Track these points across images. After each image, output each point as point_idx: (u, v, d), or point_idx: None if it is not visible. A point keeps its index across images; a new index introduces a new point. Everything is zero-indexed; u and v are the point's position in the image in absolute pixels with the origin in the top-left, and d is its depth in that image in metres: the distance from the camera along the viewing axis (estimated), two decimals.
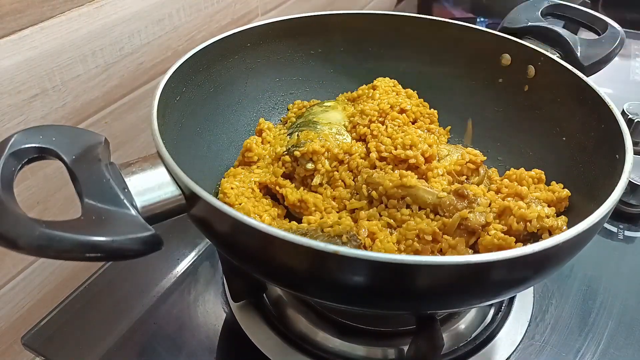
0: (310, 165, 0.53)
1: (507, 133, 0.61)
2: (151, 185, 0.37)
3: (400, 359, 0.50)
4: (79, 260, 0.31)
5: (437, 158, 0.54)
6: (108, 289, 0.57)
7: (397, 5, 1.27)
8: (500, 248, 0.43)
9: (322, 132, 0.56)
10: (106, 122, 0.59)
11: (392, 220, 0.48)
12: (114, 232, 0.32)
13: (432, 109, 0.62)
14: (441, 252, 0.45)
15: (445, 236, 0.46)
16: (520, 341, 0.51)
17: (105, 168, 0.35)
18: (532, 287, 0.56)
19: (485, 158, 0.56)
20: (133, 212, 0.34)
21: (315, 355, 0.50)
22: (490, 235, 0.44)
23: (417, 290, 0.34)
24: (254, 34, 0.60)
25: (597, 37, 0.62)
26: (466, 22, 0.63)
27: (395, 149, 0.53)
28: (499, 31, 0.61)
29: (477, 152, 0.56)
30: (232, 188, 0.51)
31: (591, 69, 0.58)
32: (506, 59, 0.60)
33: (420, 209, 0.49)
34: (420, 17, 0.64)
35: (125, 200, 0.34)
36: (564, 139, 0.54)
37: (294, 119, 0.62)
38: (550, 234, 0.45)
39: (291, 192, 0.52)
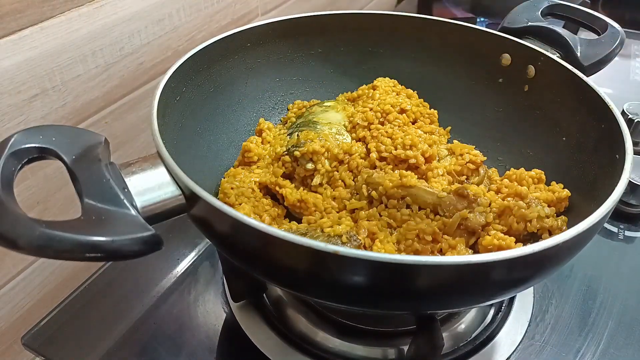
0: (310, 165, 0.53)
1: (507, 133, 0.61)
2: (151, 185, 0.37)
3: (400, 359, 0.50)
4: (79, 260, 0.31)
5: (437, 158, 0.55)
6: (108, 289, 0.57)
7: (397, 5, 1.27)
8: (500, 248, 0.43)
9: (322, 132, 0.56)
10: (106, 122, 0.59)
11: (392, 220, 0.48)
12: (114, 232, 0.32)
13: (432, 109, 0.62)
14: (441, 252, 0.45)
15: (445, 236, 0.46)
16: (520, 341, 0.51)
17: (105, 168, 0.35)
18: (532, 287, 0.56)
19: (485, 158, 0.56)
20: (133, 212, 0.34)
21: (315, 355, 0.50)
22: (490, 236, 0.44)
23: (417, 290, 0.34)
24: (254, 34, 0.60)
25: (597, 37, 0.62)
26: (466, 22, 0.63)
27: (395, 149, 0.53)
28: (499, 31, 0.61)
29: (477, 152, 0.56)
30: (232, 188, 0.51)
31: (591, 69, 0.58)
32: (506, 59, 0.60)
33: (420, 209, 0.49)
34: (420, 17, 0.64)
35: (125, 200, 0.34)
36: (564, 139, 0.54)
37: (294, 119, 0.62)
38: (550, 234, 0.45)
39: (291, 193, 0.52)
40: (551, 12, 0.67)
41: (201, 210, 0.37)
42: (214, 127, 0.58)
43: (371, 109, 0.59)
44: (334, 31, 0.65)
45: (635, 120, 0.75)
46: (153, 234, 0.33)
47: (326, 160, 0.54)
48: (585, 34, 0.65)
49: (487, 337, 0.52)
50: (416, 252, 0.45)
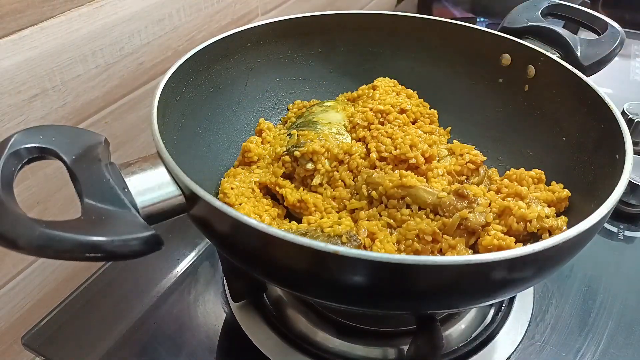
0: (310, 165, 0.53)
1: (507, 133, 0.61)
2: (151, 185, 0.37)
3: (400, 359, 0.50)
4: (79, 260, 0.31)
5: (437, 158, 0.55)
6: (108, 289, 0.57)
7: (397, 5, 1.27)
8: (500, 248, 0.43)
9: (322, 132, 0.56)
10: (106, 122, 0.59)
11: (392, 220, 0.48)
12: (114, 232, 0.32)
13: (432, 109, 0.62)
14: (441, 252, 0.45)
15: (445, 236, 0.46)
16: (520, 341, 0.51)
17: (105, 168, 0.35)
18: (532, 287, 0.56)
19: (485, 158, 0.56)
20: (133, 212, 0.34)
21: (315, 355, 0.50)
22: (490, 236, 0.44)
23: (417, 290, 0.34)
24: (254, 34, 0.60)
25: (597, 37, 0.62)
26: (466, 22, 0.63)
27: (396, 149, 0.53)
28: (499, 31, 0.61)
29: (477, 152, 0.56)
30: (232, 188, 0.51)
31: (591, 69, 0.58)
32: (506, 59, 0.60)
33: (420, 209, 0.49)
34: (420, 17, 0.64)
35: (125, 200, 0.34)
36: (564, 139, 0.54)
37: (294, 119, 0.62)
38: (550, 234, 0.45)
39: (290, 193, 0.52)
40: (551, 12, 0.67)
41: (201, 210, 0.37)
42: (214, 127, 0.58)
43: (371, 109, 0.59)
44: (334, 31, 0.65)
45: (635, 120, 0.75)
46: (153, 234, 0.33)
47: (326, 160, 0.54)
48: (585, 34, 0.65)
49: (487, 337, 0.52)
50: (416, 252, 0.45)
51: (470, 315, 0.53)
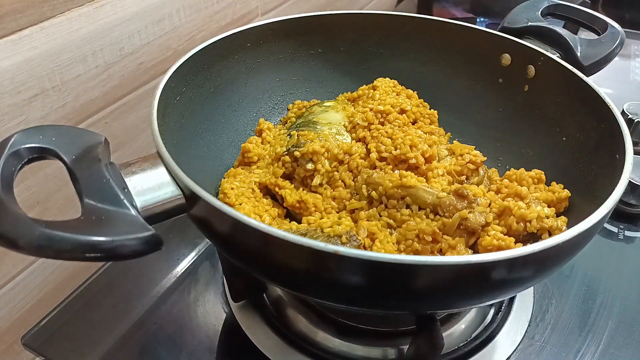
0: (310, 166, 0.53)
1: (507, 133, 0.61)
2: (151, 185, 0.37)
3: (400, 359, 0.50)
4: (79, 260, 0.31)
5: (437, 158, 0.55)
6: (108, 289, 0.57)
7: (397, 5, 1.27)
8: (500, 248, 0.43)
9: (322, 132, 0.56)
10: (106, 122, 0.59)
11: (392, 221, 0.48)
12: (114, 232, 0.32)
13: (432, 109, 0.62)
14: (441, 252, 0.45)
15: (445, 236, 0.46)
16: (520, 341, 0.51)
17: (105, 168, 0.35)
18: (532, 287, 0.56)
19: (485, 158, 0.56)
20: (133, 212, 0.34)
21: (315, 355, 0.50)
22: (490, 236, 0.44)
23: (417, 290, 0.34)
24: (254, 34, 0.60)
25: (597, 37, 0.62)
26: (466, 22, 0.63)
27: (396, 149, 0.53)
28: (499, 31, 0.61)
29: (477, 152, 0.56)
30: (232, 188, 0.51)
31: (591, 69, 0.58)
32: (506, 59, 0.60)
33: (420, 209, 0.49)
34: (420, 17, 0.64)
35: (125, 200, 0.34)
36: (564, 139, 0.54)
37: (294, 119, 0.62)
38: (550, 235, 0.45)
39: (290, 194, 0.52)
40: (551, 12, 0.67)
41: (201, 210, 0.37)
42: (214, 127, 0.58)
43: (371, 109, 0.59)
44: (334, 31, 0.65)
45: (635, 120, 0.75)
46: (153, 234, 0.33)
47: (326, 161, 0.54)
48: (585, 34, 0.65)
49: (487, 337, 0.52)
50: (416, 252, 0.45)
51: (470, 315, 0.53)
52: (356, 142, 0.57)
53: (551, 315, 0.54)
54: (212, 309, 0.55)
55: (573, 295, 0.56)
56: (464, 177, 0.54)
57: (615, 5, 1.20)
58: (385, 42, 0.66)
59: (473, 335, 0.52)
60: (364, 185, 0.51)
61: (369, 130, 0.57)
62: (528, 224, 0.45)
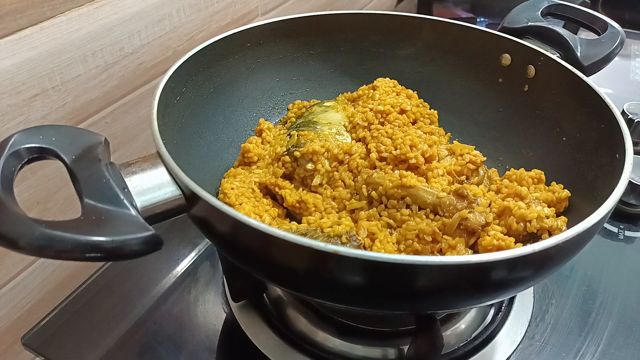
0: (310, 166, 0.53)
1: (507, 133, 0.61)
2: (151, 185, 0.37)
3: (400, 359, 0.50)
4: (79, 260, 0.31)
5: (437, 158, 0.55)
6: (108, 289, 0.57)
7: (397, 5, 1.27)
8: (499, 248, 0.43)
9: (322, 132, 0.56)
10: (106, 122, 0.59)
11: (392, 221, 0.48)
12: (114, 232, 0.32)
13: (432, 109, 0.62)
14: (441, 252, 0.45)
15: (445, 236, 0.46)
16: (520, 341, 0.51)
17: (105, 168, 0.35)
18: (532, 287, 0.56)
19: (485, 158, 0.56)
20: (133, 212, 0.34)
21: (315, 355, 0.50)
22: (490, 236, 0.44)
23: (417, 290, 0.34)
24: (254, 34, 0.60)
25: (597, 37, 0.62)
26: (466, 22, 0.63)
27: (396, 149, 0.53)
28: (499, 31, 0.61)
29: (477, 152, 0.56)
30: (232, 188, 0.51)
31: (591, 69, 0.58)
32: (506, 59, 0.60)
33: (420, 209, 0.49)
34: (420, 17, 0.64)
35: (125, 200, 0.34)
36: (564, 139, 0.54)
37: (294, 119, 0.62)
38: (550, 235, 0.45)
39: (290, 194, 0.52)
40: (551, 12, 0.67)
41: (201, 210, 0.37)
42: (214, 127, 0.58)
43: (371, 109, 0.59)
44: (334, 31, 0.65)
45: (635, 120, 0.75)
46: (153, 234, 0.33)
47: (326, 161, 0.54)
48: (585, 34, 0.65)
49: (487, 337, 0.52)
50: (416, 252, 0.45)
51: (470, 315, 0.53)
52: (356, 142, 0.57)
53: (551, 315, 0.54)
54: (212, 309, 0.55)
55: (573, 295, 0.56)
56: (464, 177, 0.54)
57: (615, 5, 1.20)
58: (385, 42, 0.66)
59: (473, 335, 0.52)
60: (364, 185, 0.51)
61: (369, 130, 0.57)
62: (528, 224, 0.45)
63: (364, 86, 0.64)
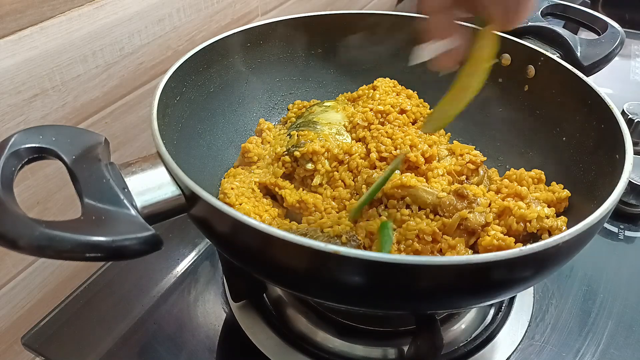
0: (310, 166, 0.53)
1: (507, 133, 0.61)
2: (151, 185, 0.37)
3: (400, 359, 0.50)
4: (79, 260, 0.31)
5: (437, 158, 0.55)
6: (108, 289, 0.57)
7: (397, 5, 1.27)
8: (499, 248, 0.43)
9: (322, 132, 0.56)
10: (106, 122, 0.59)
11: (392, 221, 0.48)
12: (114, 232, 0.32)
13: (432, 110, 0.62)
14: (441, 252, 0.45)
15: (445, 236, 0.46)
16: (520, 341, 0.51)
17: (105, 168, 0.35)
18: (532, 287, 0.56)
19: (485, 158, 0.56)
20: (133, 212, 0.34)
21: (315, 355, 0.50)
22: (490, 236, 0.44)
23: (417, 290, 0.34)
24: (254, 34, 0.60)
25: (597, 37, 0.62)
26: (466, 22, 0.63)
27: (396, 149, 0.53)
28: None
29: (477, 152, 0.56)
30: (232, 188, 0.51)
31: (591, 69, 0.58)
32: (506, 59, 0.60)
33: (420, 209, 0.49)
34: (421, 17, 0.64)
35: (125, 200, 0.34)
36: (564, 139, 0.54)
37: (294, 119, 0.62)
38: (550, 235, 0.45)
39: (290, 194, 0.52)
40: (551, 12, 0.67)
41: (201, 210, 0.37)
42: (214, 127, 0.58)
43: (371, 109, 0.59)
44: (334, 31, 0.65)
45: (635, 120, 0.75)
46: (153, 234, 0.33)
47: (326, 161, 0.54)
48: (585, 34, 0.66)
49: (487, 337, 0.52)
50: (416, 252, 0.45)
51: (470, 315, 0.53)
52: (356, 142, 0.57)
53: (551, 315, 0.54)
54: (212, 309, 0.55)
55: (573, 295, 0.56)
56: (464, 177, 0.54)
57: (615, 5, 1.21)
58: (386, 42, 0.66)
59: (473, 335, 0.52)
60: (364, 185, 0.51)
61: (369, 130, 0.57)
62: (528, 224, 0.45)
63: (364, 86, 0.64)
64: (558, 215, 0.48)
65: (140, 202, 0.35)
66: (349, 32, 0.65)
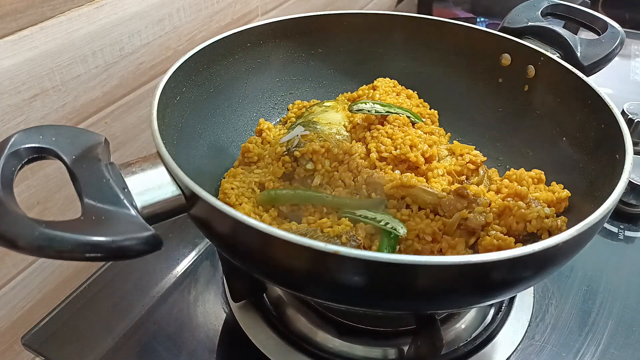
0: (310, 166, 0.53)
1: (507, 133, 0.61)
2: (151, 185, 0.37)
3: (400, 359, 0.50)
4: (79, 260, 0.31)
5: (437, 158, 0.55)
6: (108, 289, 0.57)
7: (397, 5, 1.27)
8: (499, 248, 0.43)
9: (322, 132, 0.56)
10: (106, 122, 0.59)
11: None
12: (114, 232, 0.32)
13: (432, 109, 0.62)
14: (441, 252, 0.45)
15: (445, 236, 0.46)
16: (520, 341, 0.51)
17: (105, 168, 0.35)
18: (532, 287, 0.56)
19: (485, 158, 0.56)
20: (133, 212, 0.34)
21: (315, 355, 0.50)
22: (490, 236, 0.44)
23: (417, 290, 0.34)
24: (254, 34, 0.60)
25: (597, 37, 0.62)
26: (466, 22, 0.63)
27: (396, 149, 0.53)
28: (499, 31, 0.61)
29: (477, 152, 0.56)
30: (232, 188, 0.51)
31: (591, 69, 0.58)
32: (506, 59, 0.60)
33: (420, 209, 0.49)
34: (420, 17, 0.64)
35: (125, 200, 0.34)
36: (564, 139, 0.54)
37: (294, 119, 0.62)
38: (550, 235, 0.45)
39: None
40: (551, 12, 0.67)
41: (201, 210, 0.37)
42: (214, 127, 0.58)
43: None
44: (334, 31, 0.65)
45: (635, 120, 0.75)
46: (153, 234, 0.33)
47: (326, 161, 0.54)
48: (585, 34, 0.65)
49: (487, 337, 0.52)
50: (416, 252, 0.45)
51: (470, 315, 0.53)
52: (356, 142, 0.57)
53: (551, 315, 0.54)
54: (212, 309, 0.55)
55: (573, 295, 0.56)
56: (464, 177, 0.54)
57: (615, 5, 1.20)
58: (385, 42, 0.66)
59: (473, 335, 0.52)
60: (364, 185, 0.51)
61: (369, 130, 0.57)
62: (528, 224, 0.45)
63: (364, 86, 0.64)
64: (558, 215, 0.48)
65: (140, 202, 0.35)
66: (349, 32, 0.65)
